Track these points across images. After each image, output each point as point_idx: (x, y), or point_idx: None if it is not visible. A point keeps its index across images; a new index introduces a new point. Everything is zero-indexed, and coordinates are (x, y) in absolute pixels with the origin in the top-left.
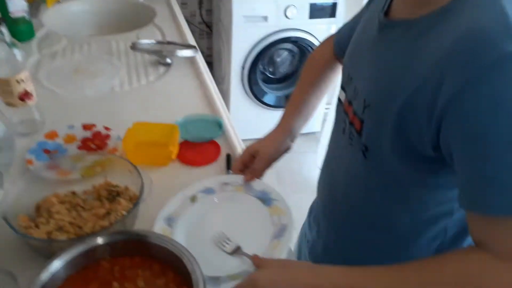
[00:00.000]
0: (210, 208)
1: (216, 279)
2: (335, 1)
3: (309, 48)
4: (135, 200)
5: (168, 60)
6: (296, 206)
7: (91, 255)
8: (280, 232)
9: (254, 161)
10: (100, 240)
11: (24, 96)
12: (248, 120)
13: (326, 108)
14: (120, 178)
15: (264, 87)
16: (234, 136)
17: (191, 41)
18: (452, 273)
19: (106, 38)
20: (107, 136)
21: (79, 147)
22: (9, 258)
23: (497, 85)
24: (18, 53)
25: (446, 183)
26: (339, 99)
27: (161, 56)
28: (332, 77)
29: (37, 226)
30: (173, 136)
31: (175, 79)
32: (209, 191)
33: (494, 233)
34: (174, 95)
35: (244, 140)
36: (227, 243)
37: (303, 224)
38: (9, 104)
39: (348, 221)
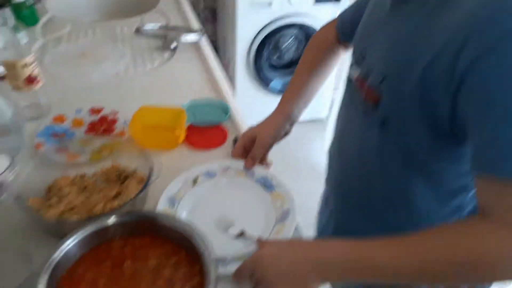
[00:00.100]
0: (211, 191)
1: (222, 260)
2: None
3: None
4: (144, 183)
5: (173, 45)
6: (303, 192)
7: (102, 235)
8: (284, 216)
9: (253, 147)
10: (111, 221)
11: (31, 80)
12: (254, 106)
13: (334, 91)
14: (128, 161)
15: (270, 73)
16: (241, 120)
17: (196, 26)
18: (455, 237)
19: (110, 23)
20: (114, 121)
21: (87, 131)
22: (23, 239)
23: None
24: (23, 37)
25: (466, 155)
26: (349, 79)
27: (166, 40)
28: (333, 61)
29: (49, 207)
30: (180, 120)
31: (180, 64)
32: (211, 174)
33: (504, 198)
34: (180, 80)
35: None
36: (231, 227)
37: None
38: (16, 88)
39: (363, 199)
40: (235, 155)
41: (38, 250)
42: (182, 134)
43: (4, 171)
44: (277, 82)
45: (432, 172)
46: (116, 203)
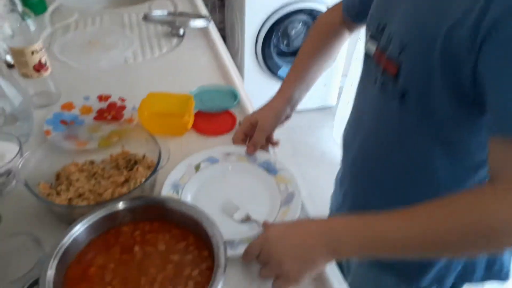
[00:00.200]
0: (215, 177)
1: (231, 243)
2: None
3: None
4: (152, 169)
5: (181, 31)
6: (312, 179)
7: (111, 220)
8: (288, 199)
9: (255, 132)
10: (120, 206)
11: (39, 67)
12: (262, 94)
13: (343, 78)
14: (136, 148)
15: (278, 60)
16: (250, 106)
17: (204, 12)
18: (463, 203)
19: (118, 10)
20: (123, 107)
21: (95, 118)
22: (33, 224)
23: None
24: (31, 24)
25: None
26: (366, 55)
27: (174, 27)
28: (337, 44)
29: (58, 194)
30: (188, 106)
31: (188, 50)
32: (213, 160)
33: None
34: (188, 66)
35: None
36: (236, 212)
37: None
38: (24, 75)
39: (382, 175)
40: (236, 141)
41: (48, 235)
42: (190, 120)
43: (14, 158)
44: (285, 69)
45: (453, 143)
46: (125, 189)
